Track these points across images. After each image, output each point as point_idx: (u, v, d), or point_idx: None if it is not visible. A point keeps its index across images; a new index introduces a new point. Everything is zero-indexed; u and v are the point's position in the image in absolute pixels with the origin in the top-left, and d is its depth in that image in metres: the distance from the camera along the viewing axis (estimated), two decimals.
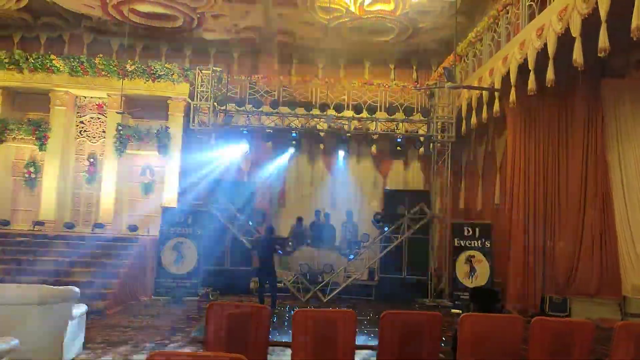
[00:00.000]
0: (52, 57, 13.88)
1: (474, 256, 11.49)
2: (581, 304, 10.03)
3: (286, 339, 7.42)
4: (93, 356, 6.48)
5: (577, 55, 7.43)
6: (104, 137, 14.44)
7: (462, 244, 11.69)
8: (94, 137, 14.78)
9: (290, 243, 12.21)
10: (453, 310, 10.96)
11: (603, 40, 6.85)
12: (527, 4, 9.43)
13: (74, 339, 6.01)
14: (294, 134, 13.69)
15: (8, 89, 14.14)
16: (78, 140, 14.76)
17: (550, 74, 8.06)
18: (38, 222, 13.23)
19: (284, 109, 13.86)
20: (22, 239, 11.45)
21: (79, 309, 6.16)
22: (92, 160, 14.59)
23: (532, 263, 10.53)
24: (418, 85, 15.15)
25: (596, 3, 6.95)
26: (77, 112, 14.76)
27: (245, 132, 13.58)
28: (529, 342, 4.63)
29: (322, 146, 14.96)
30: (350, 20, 14.18)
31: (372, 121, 13.78)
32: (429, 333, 4.53)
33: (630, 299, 9.93)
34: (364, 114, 13.71)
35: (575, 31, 7.42)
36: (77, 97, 14.59)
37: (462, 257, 11.62)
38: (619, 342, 4.48)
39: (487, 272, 11.32)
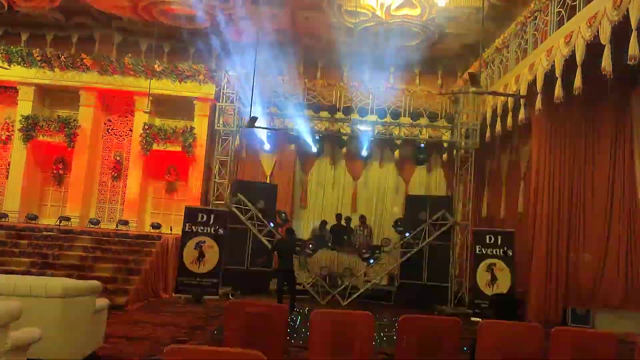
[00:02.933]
0: (83, 56, 14.19)
1: (495, 264, 11.35)
2: (605, 316, 9.83)
3: (304, 340, 7.46)
4: (113, 350, 6.58)
5: (606, 63, 7.31)
6: (131, 136, 14.69)
7: (484, 252, 11.56)
8: (121, 136, 15.07)
9: (310, 245, 12.22)
10: (473, 318, 10.84)
11: (633, 48, 6.73)
12: (555, 11, 9.32)
13: (95, 332, 6.11)
14: (317, 137, 13.73)
15: (40, 87, 14.51)
16: (105, 138, 15.05)
17: (577, 82, 7.94)
18: (64, 217, 13.51)
19: (309, 112, 13.92)
20: (48, 233, 11.69)
21: (101, 303, 6.26)
22: (118, 158, 14.86)
23: (554, 273, 10.36)
24: (443, 91, 15.05)
25: (627, 10, 6.84)
26: (105, 111, 15.06)
27: (269, 134, 13.67)
28: (549, 352, 4.56)
29: (344, 150, 14.97)
30: (376, 24, 14.16)
31: (396, 126, 13.74)
32: (448, 339, 4.50)
33: None
34: (388, 119, 13.70)
35: (605, 39, 7.31)
36: (105, 95, 14.89)
37: (484, 265, 11.49)
38: None
39: (509, 281, 11.17)
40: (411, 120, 13.78)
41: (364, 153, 14.29)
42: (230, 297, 11.50)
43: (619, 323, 9.53)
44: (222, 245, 12.02)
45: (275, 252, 10.85)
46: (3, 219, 12.74)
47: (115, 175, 14.89)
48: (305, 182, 15.75)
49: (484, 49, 12.06)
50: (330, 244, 13.37)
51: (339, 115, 13.81)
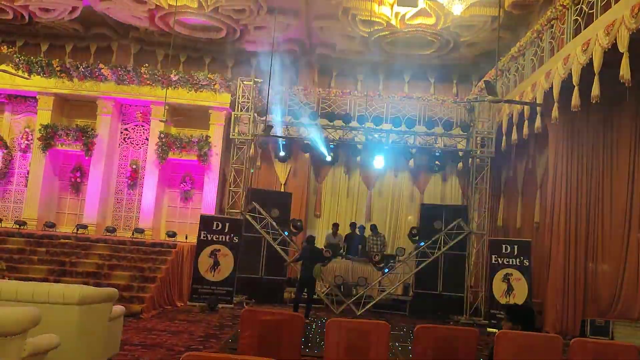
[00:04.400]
0: (101, 66, 14.40)
1: (511, 274, 11.20)
2: (625, 328, 9.64)
3: (318, 349, 7.43)
4: (129, 357, 6.61)
5: (625, 71, 7.23)
6: (147, 145, 14.84)
7: (500, 262, 11.43)
8: (137, 144, 15.23)
9: (327, 253, 12.18)
10: (489, 329, 10.72)
11: None
12: (572, 19, 9.25)
13: (111, 339, 6.15)
14: (331, 146, 13.74)
15: (58, 96, 14.73)
16: (122, 146, 15.22)
17: (595, 90, 7.85)
18: (81, 225, 13.65)
19: (323, 121, 13.95)
20: (65, 241, 11.81)
21: (117, 311, 6.30)
22: (134, 166, 15.01)
23: (572, 284, 10.23)
24: (458, 99, 15.00)
25: None
26: (122, 120, 15.25)
27: (284, 142, 13.72)
28: None
29: (359, 158, 14.95)
30: (390, 33, 14.20)
31: (411, 135, 13.71)
32: (464, 349, 4.46)
33: None
34: (403, 127, 13.68)
35: (623, 46, 7.23)
36: (122, 105, 15.08)
37: (500, 274, 11.36)
38: None
39: (525, 291, 11.02)
40: (426, 129, 13.74)
41: (379, 162, 14.23)
42: (244, 305, 11.50)
43: (638, 335, 9.36)
44: (236, 253, 12.05)
45: (300, 262, 10.86)
46: (22, 227, 12.90)
47: (132, 183, 15.03)
48: (320, 190, 15.76)
49: (499, 57, 12.00)
50: (344, 253, 13.33)
51: (354, 124, 13.82)
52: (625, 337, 9.31)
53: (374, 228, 13.88)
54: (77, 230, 13.39)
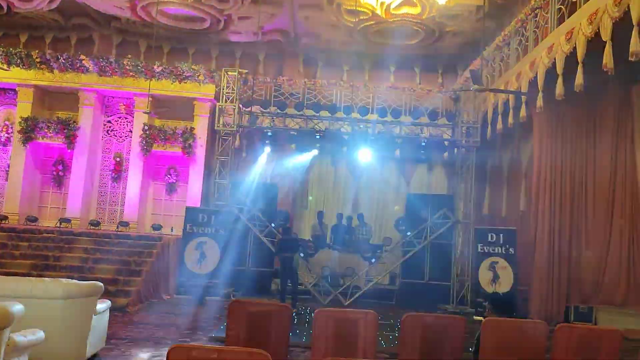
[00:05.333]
0: (82, 57, 14.16)
1: (497, 262, 11.30)
2: (607, 314, 9.78)
3: (306, 339, 7.43)
4: (116, 352, 6.56)
5: (607, 59, 7.26)
6: (130, 137, 14.67)
7: (486, 250, 11.52)
8: (121, 137, 15.05)
9: (310, 244, 12.19)
10: (475, 317, 10.81)
11: (634, 44, 6.68)
12: (556, 8, 9.27)
13: (97, 333, 6.09)
14: (317, 137, 13.70)
15: (39, 88, 14.48)
16: (105, 139, 15.03)
17: (579, 79, 7.89)
18: (64, 219, 13.49)
19: (309, 112, 13.90)
20: (48, 235, 11.67)
21: (103, 305, 6.25)
22: (118, 159, 14.84)
23: (556, 271, 10.33)
24: (443, 89, 15.02)
25: (628, 6, 6.79)
26: (105, 112, 15.05)
27: (269, 133, 13.65)
28: (552, 349, 4.54)
29: (345, 149, 14.92)
30: (376, 23, 14.14)
31: (397, 125, 13.72)
32: (451, 337, 4.48)
33: None
34: (389, 118, 13.68)
35: (606, 35, 7.26)
36: (105, 96, 14.87)
37: (486, 263, 11.45)
38: None
39: (511, 279, 11.13)
40: (412, 119, 13.76)
41: (364, 155, 14.22)
42: (231, 297, 11.47)
43: (621, 320, 9.49)
44: (223, 245, 11.99)
45: (279, 252, 10.87)
46: (3, 221, 12.71)
47: (115, 176, 14.86)
48: (306, 181, 15.72)
49: (484, 47, 12.02)
50: (331, 244, 13.35)
51: (339, 114, 13.78)
52: (608, 322, 9.45)
53: (360, 217, 13.92)
54: (60, 224, 13.23)
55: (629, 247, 9.98)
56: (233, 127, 13.26)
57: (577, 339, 4.52)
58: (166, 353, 2.76)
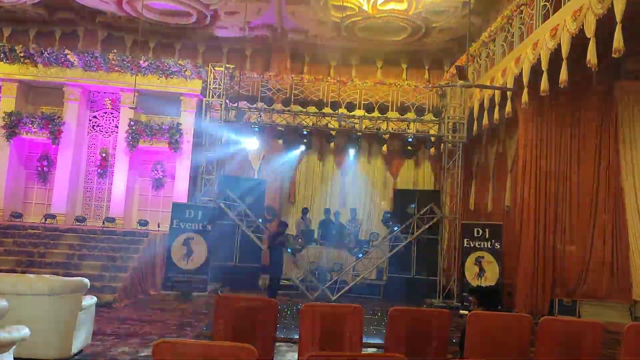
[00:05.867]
0: (67, 51, 14.00)
1: (483, 257, 11.42)
2: (591, 307, 9.95)
3: (294, 334, 7.45)
4: (101, 348, 6.53)
5: (591, 56, 7.35)
6: (116, 132, 14.55)
7: (472, 245, 11.63)
8: (107, 132, 14.91)
9: (300, 240, 12.20)
10: (462, 311, 10.91)
11: (618, 41, 6.77)
12: (541, 4, 9.36)
13: (83, 330, 6.06)
14: (305, 132, 13.70)
15: (23, 83, 14.28)
16: (90, 134, 14.89)
17: (563, 75, 7.98)
18: (49, 215, 13.36)
19: (296, 107, 13.89)
20: (33, 231, 11.56)
21: (89, 301, 6.21)
22: (104, 154, 14.70)
23: (541, 265, 10.45)
24: (430, 85, 15.09)
25: (611, 3, 6.88)
26: (90, 107, 14.90)
27: (256, 129, 13.62)
28: (537, 342, 4.60)
29: (332, 145, 14.94)
30: (363, 19, 14.16)
31: (384, 120, 13.76)
32: (437, 330, 4.52)
33: None
34: (376, 113, 13.73)
35: (590, 32, 7.35)
36: (90, 92, 14.72)
37: (472, 258, 11.56)
38: (629, 342, 4.44)
39: (497, 273, 11.26)
40: (399, 115, 13.82)
41: (352, 148, 14.27)
42: (218, 293, 11.45)
43: (603, 313, 9.66)
44: (210, 241, 11.96)
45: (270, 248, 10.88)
46: None
47: (101, 172, 14.72)
48: (294, 177, 15.71)
49: (470, 43, 12.08)
50: (318, 239, 13.38)
51: (327, 110, 13.79)
52: (591, 316, 9.60)
53: (353, 212, 14.08)
54: (45, 220, 13.10)
55: (612, 241, 10.15)
56: (220, 122, 13.22)
57: (561, 332, 4.59)
58: (152, 349, 2.76)
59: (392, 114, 13.98)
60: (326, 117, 13.75)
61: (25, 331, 4.51)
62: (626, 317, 9.69)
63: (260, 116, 13.78)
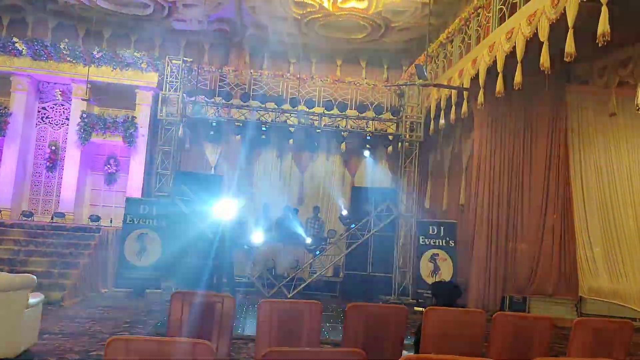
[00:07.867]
0: (15, 39, 13.41)
1: (438, 255, 11.63)
2: (540, 303, 10.29)
3: (250, 331, 7.38)
4: (49, 346, 6.28)
5: (545, 59, 7.56)
6: (67, 125, 14.04)
7: (427, 243, 11.82)
8: (57, 124, 14.38)
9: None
10: (416, 308, 11.07)
11: (570, 46, 6.98)
12: (497, 8, 9.57)
13: (28, 328, 5.82)
14: (263, 128, 13.59)
15: None
16: (39, 126, 14.33)
17: (518, 77, 8.19)
18: None
19: (254, 103, 13.76)
20: None
21: (35, 298, 5.97)
22: (53, 147, 14.18)
23: (494, 263, 10.73)
24: (389, 84, 15.23)
25: (564, 9, 7.09)
26: (39, 98, 14.33)
27: (214, 124, 13.41)
28: (490, 336, 4.71)
29: (291, 141, 14.85)
30: (323, 16, 14.15)
31: (343, 118, 13.81)
32: (394, 326, 4.55)
33: (586, 300, 10.25)
34: (335, 111, 13.75)
35: (543, 36, 7.56)
36: (39, 82, 14.16)
37: (427, 255, 11.75)
38: (576, 336, 4.60)
39: (451, 270, 11.48)
40: (357, 113, 13.89)
41: (311, 145, 14.25)
42: (173, 290, 11.21)
43: (551, 309, 10.03)
44: (164, 237, 11.70)
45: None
46: None
47: (50, 165, 14.18)
48: (251, 173, 15.56)
49: (429, 44, 12.26)
50: (276, 236, 13.29)
51: (286, 106, 13.72)
52: (540, 311, 9.94)
53: (316, 210, 14.10)
54: None
55: (560, 241, 10.54)
56: (176, 116, 12.96)
57: (512, 327, 4.72)
58: (104, 347, 2.66)
59: (351, 112, 14.05)
60: (285, 114, 13.68)
61: None
62: (573, 313, 10.09)
63: (218, 111, 13.58)
